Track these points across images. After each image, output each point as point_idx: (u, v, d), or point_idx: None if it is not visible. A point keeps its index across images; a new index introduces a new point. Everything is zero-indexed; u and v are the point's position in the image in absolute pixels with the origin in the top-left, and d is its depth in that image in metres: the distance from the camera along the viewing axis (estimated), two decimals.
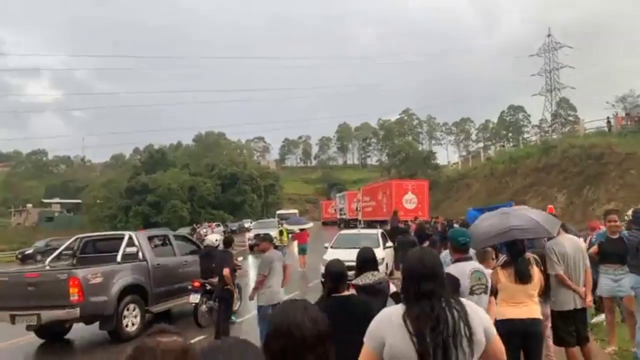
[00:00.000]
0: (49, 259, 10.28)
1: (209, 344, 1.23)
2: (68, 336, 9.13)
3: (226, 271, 7.91)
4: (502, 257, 5.28)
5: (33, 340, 8.77)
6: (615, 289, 6.12)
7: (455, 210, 35.37)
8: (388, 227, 19.25)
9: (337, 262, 4.07)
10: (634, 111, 34.41)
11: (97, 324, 8.53)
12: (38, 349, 8.59)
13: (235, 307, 9.46)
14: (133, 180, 60.26)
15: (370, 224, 29.57)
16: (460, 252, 4.06)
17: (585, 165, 30.11)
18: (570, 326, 5.06)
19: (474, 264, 4.12)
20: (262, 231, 27.44)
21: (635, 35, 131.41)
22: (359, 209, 38.48)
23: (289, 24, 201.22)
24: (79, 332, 9.14)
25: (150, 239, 9.88)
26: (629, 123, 32.40)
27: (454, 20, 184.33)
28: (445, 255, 5.09)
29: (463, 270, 3.95)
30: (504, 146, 61.38)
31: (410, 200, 28.49)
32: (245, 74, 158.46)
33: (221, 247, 9.15)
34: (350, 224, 40.23)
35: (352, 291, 4.07)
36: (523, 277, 4.44)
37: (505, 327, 3.99)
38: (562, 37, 75.45)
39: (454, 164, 65.97)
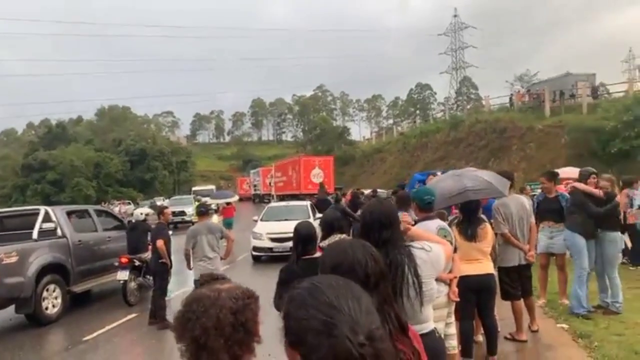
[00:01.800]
0: None
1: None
2: None
3: (160, 243, 7.44)
4: (453, 217, 5.45)
5: None
6: (550, 245, 6.57)
7: (371, 183, 36.50)
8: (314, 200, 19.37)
9: (306, 224, 3.94)
10: (534, 88, 37.18)
11: (7, 309, 7.74)
12: None
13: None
14: (30, 156, 55.36)
15: (282, 198, 30.67)
16: (425, 210, 4.07)
17: (490, 139, 32.14)
18: (516, 281, 5.34)
19: (439, 222, 4.15)
20: (177, 209, 26.61)
21: (529, 20, 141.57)
22: (272, 184, 39.68)
23: None
24: None
25: (69, 214, 9.06)
26: (527, 99, 34.91)
27: None
28: None
29: (429, 228, 3.95)
30: (415, 122, 63.94)
31: (317, 175, 29.85)
32: (149, 43, 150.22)
33: (153, 219, 8.64)
34: (264, 198, 41.64)
35: (319, 253, 3.97)
36: (470, 236, 4.60)
37: (461, 283, 4.13)
38: (467, 18, 79.47)
39: (367, 139, 67.75)
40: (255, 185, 49.60)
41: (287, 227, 12.84)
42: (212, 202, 20.37)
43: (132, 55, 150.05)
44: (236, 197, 22.54)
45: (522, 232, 5.31)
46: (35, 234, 8.10)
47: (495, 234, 5.17)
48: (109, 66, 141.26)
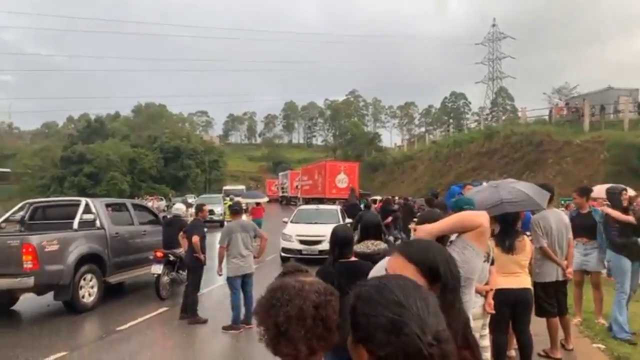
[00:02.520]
0: None
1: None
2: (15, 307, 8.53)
3: (195, 238, 7.59)
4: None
5: None
6: (584, 263, 6.40)
7: (401, 191, 36.24)
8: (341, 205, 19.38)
9: (343, 228, 3.94)
10: (572, 102, 36.29)
11: (46, 295, 8.00)
12: None
13: None
14: (69, 149, 57.10)
15: (308, 201, 31.42)
16: None
17: (526, 151, 31.53)
18: (552, 297, 5.23)
19: None
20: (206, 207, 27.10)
21: (570, 31, 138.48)
22: (299, 187, 40.76)
23: None
24: (27, 303, 8.56)
25: (107, 206, 9.33)
26: (566, 113, 34.10)
27: (404, 5, 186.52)
28: None
29: None
30: (448, 131, 63.18)
31: (342, 180, 30.58)
32: (188, 44, 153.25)
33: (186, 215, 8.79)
34: (291, 201, 43.08)
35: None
36: (508, 247, 4.53)
37: (497, 297, 4.08)
38: (506, 28, 78.32)
39: (399, 146, 67.35)
40: (283, 188, 50.48)
41: (317, 230, 12.95)
42: (243, 202, 20.60)
43: (170, 55, 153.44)
44: (266, 198, 22.83)
45: (561, 247, 5.21)
46: (75, 224, 8.35)
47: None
48: (147, 64, 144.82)
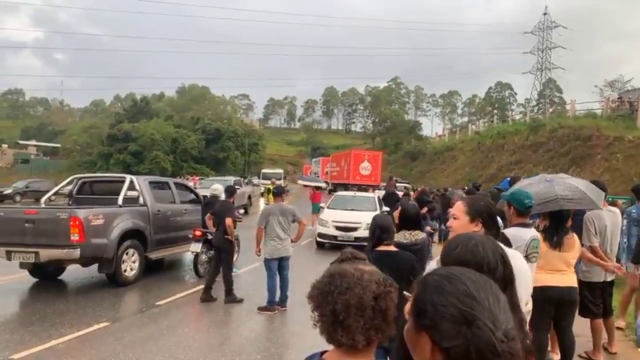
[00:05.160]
0: (44, 198, 9.89)
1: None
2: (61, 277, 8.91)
3: (228, 220, 7.66)
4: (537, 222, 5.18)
5: (25, 278, 8.54)
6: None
7: (439, 182, 35.69)
8: (382, 193, 19.28)
9: (383, 216, 3.89)
10: (626, 96, 34.58)
11: (90, 267, 8.34)
12: (32, 288, 8.34)
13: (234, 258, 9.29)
14: (115, 127, 58.87)
15: (335, 187, 33.52)
16: (523, 216, 3.69)
17: (573, 146, 30.31)
18: (598, 298, 5.04)
19: (534, 232, 3.82)
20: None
21: (625, 23, 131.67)
22: (328, 173, 42.95)
23: None
24: (73, 274, 8.92)
25: (151, 184, 9.55)
26: (619, 107, 32.56)
27: None
28: None
29: (521, 236, 3.52)
30: (492, 121, 61.51)
31: (365, 168, 32.66)
32: (231, 27, 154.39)
33: (222, 196, 8.90)
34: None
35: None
36: (556, 243, 4.36)
37: (541, 294, 3.91)
38: (557, 17, 75.26)
39: (440, 135, 66.13)
40: (315, 173, 51.53)
41: (353, 217, 12.92)
42: (304, 183, 21.52)
43: (213, 38, 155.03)
44: (324, 184, 23.92)
45: (612, 247, 5.00)
46: (120, 200, 8.61)
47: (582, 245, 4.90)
48: (191, 47, 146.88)
